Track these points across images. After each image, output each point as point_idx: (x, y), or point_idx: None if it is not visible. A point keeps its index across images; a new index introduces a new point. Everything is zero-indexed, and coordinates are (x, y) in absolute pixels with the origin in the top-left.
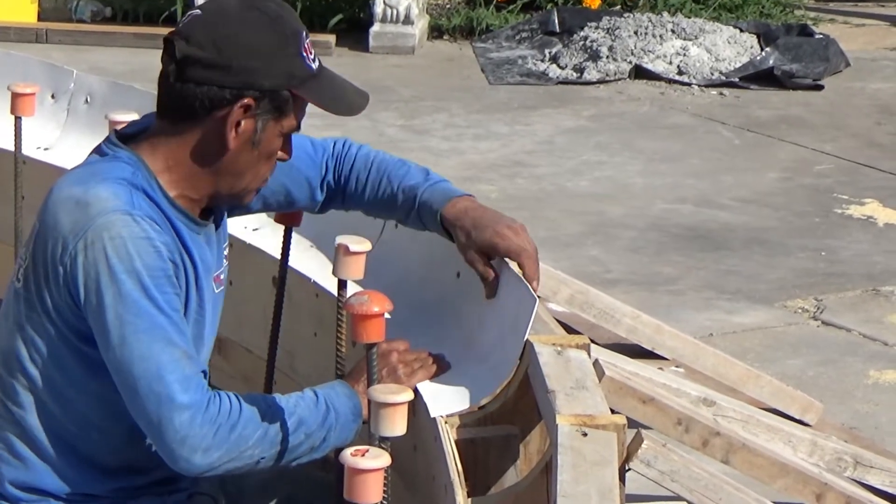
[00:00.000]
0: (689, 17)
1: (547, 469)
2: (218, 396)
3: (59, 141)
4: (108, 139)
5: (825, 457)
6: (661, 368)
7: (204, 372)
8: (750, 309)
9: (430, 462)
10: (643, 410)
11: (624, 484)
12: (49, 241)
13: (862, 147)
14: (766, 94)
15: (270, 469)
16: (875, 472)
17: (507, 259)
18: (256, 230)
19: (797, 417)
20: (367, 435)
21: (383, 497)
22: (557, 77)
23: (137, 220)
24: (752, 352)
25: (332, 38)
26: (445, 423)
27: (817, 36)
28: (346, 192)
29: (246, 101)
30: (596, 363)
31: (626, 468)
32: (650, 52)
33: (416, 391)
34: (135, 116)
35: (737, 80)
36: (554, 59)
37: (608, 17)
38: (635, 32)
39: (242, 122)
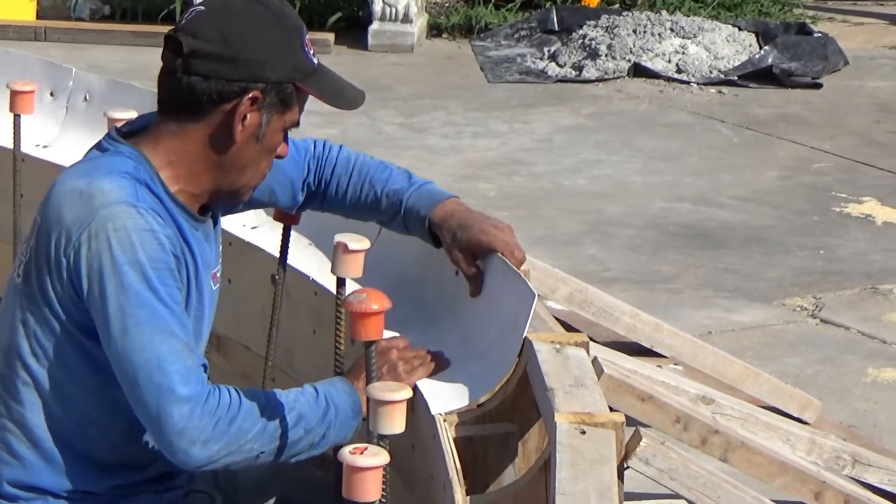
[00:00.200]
0: (688, 16)
1: (545, 467)
2: (218, 390)
3: (58, 139)
4: (108, 135)
5: (823, 455)
6: (659, 366)
7: (204, 365)
8: (748, 307)
9: (428, 460)
10: (642, 408)
11: (622, 482)
12: (52, 234)
13: (860, 145)
14: (765, 92)
15: (270, 464)
16: (873, 470)
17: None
18: (255, 228)
19: (796, 415)
20: (366, 433)
21: (382, 495)
22: (556, 75)
23: (141, 212)
24: (750, 350)
25: (330, 37)
26: (444, 421)
27: (816, 34)
28: (327, 194)
29: (254, 93)
30: (595, 361)
31: (625, 466)
32: (649, 50)
33: (415, 389)
34: (133, 114)
35: (735, 78)
36: (553, 57)
37: (607, 16)
38: (634, 31)
39: (248, 116)
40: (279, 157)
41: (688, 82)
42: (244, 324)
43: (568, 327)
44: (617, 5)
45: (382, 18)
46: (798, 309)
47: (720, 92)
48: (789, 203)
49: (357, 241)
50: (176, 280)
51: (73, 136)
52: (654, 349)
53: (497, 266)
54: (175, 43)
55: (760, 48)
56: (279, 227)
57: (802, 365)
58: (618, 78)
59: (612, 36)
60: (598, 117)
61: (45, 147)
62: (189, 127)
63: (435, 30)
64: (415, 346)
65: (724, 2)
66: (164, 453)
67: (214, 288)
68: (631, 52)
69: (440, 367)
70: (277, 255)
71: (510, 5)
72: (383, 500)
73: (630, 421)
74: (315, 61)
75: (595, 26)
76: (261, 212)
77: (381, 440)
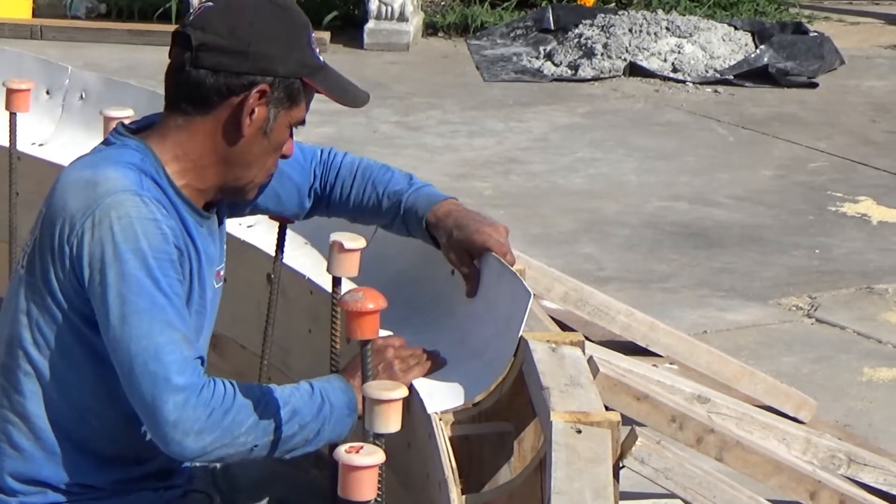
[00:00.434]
0: (684, 15)
1: (541, 466)
2: (213, 381)
3: (54, 137)
4: (115, 130)
5: (819, 454)
6: (655, 365)
7: (201, 358)
8: (744, 306)
9: (424, 459)
10: (637, 407)
11: (618, 481)
12: (57, 223)
13: (856, 145)
14: (761, 91)
15: (265, 459)
16: (868, 469)
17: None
18: (251, 227)
19: (791, 415)
20: (362, 431)
21: (377, 494)
22: (552, 74)
23: (146, 201)
24: (746, 349)
25: (326, 35)
26: (440, 420)
27: (812, 34)
28: (332, 198)
29: (262, 86)
30: (590, 360)
31: (621, 465)
32: (645, 49)
33: (411, 388)
34: (130, 112)
35: (731, 77)
36: (548, 56)
37: (603, 15)
38: (630, 30)
39: (256, 110)
40: (284, 156)
41: (684, 81)
42: (240, 322)
43: (563, 326)
44: (613, 4)
45: (378, 17)
46: (794, 308)
47: (716, 91)
48: (785, 202)
49: (353, 240)
50: (177, 271)
51: (69, 135)
52: (650, 348)
53: (493, 265)
54: (184, 37)
55: (756, 47)
56: (275, 225)
57: (798, 364)
58: (614, 77)
59: (607, 35)
60: (593, 116)
61: (41, 145)
62: (196, 121)
63: (431, 28)
64: (411, 345)
65: (720, 1)
66: (157, 443)
67: (217, 286)
68: (627, 51)
69: (436, 366)
70: (273, 253)
71: (506, 4)
72: (379, 499)
73: (626, 420)
74: (321, 59)
75: (591, 25)
76: None
77: (377, 439)
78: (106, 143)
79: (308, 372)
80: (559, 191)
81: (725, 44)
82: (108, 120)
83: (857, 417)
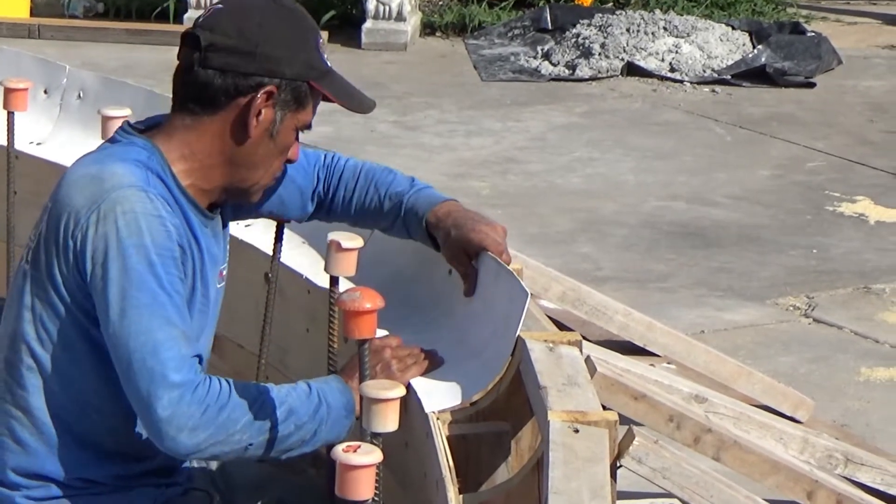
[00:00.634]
0: (682, 15)
1: (538, 465)
2: (209, 379)
3: (52, 136)
4: (121, 128)
5: (816, 454)
6: (652, 365)
7: (199, 356)
8: (741, 306)
9: (421, 458)
10: (635, 407)
11: (615, 480)
12: (62, 217)
13: (854, 145)
14: (758, 91)
15: (260, 458)
16: (866, 469)
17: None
18: (248, 226)
19: (788, 414)
20: (359, 431)
21: (375, 493)
22: (549, 74)
23: (151, 197)
24: (743, 349)
25: (324, 35)
26: (437, 419)
27: (809, 34)
28: (335, 201)
29: (269, 87)
30: (588, 360)
31: (618, 465)
32: (642, 49)
33: (408, 388)
34: (127, 112)
35: (729, 77)
36: (546, 55)
37: (600, 15)
38: (627, 30)
39: (263, 111)
40: (290, 161)
41: (681, 81)
42: (237, 322)
43: (561, 326)
44: (610, 4)
45: (376, 17)
46: (791, 308)
47: (713, 91)
48: (782, 202)
49: (350, 240)
50: (179, 269)
51: (67, 134)
52: (647, 348)
53: (490, 265)
54: (193, 38)
55: (754, 47)
56: (272, 225)
57: (795, 364)
58: (611, 77)
59: (605, 35)
60: (591, 116)
61: (38, 144)
62: (204, 121)
63: (428, 28)
64: (408, 344)
65: (718, 1)
66: (152, 439)
67: (219, 286)
68: (624, 50)
69: (434, 365)
70: (271, 253)
71: (504, 4)
72: (376, 498)
73: (623, 420)
74: (328, 63)
75: (588, 25)
76: None
77: (375, 438)
78: (112, 140)
79: (306, 371)
80: (557, 190)
81: (723, 43)
82: (105, 119)
83: (854, 417)
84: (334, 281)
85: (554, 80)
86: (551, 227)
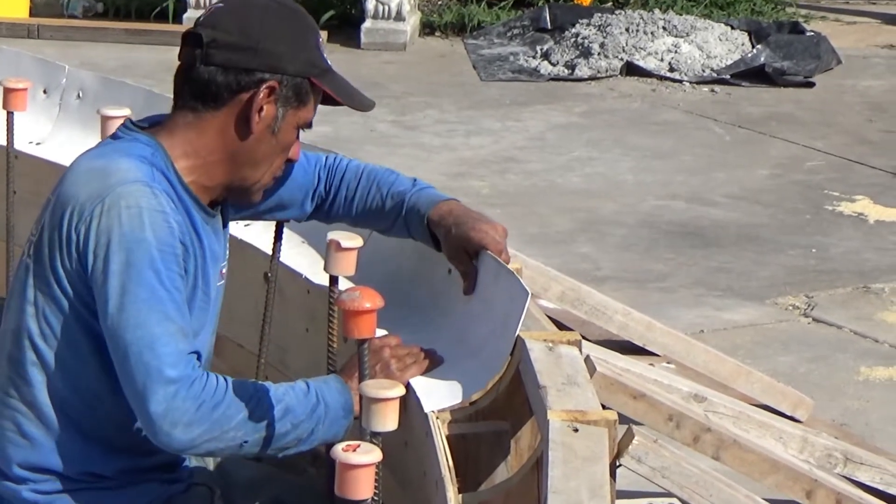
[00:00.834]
0: (681, 15)
1: (538, 465)
2: (206, 375)
3: (51, 136)
4: (123, 125)
5: (815, 453)
6: (652, 365)
7: (198, 353)
8: (741, 306)
9: (421, 458)
10: (634, 406)
11: (615, 480)
12: (66, 211)
13: (853, 144)
14: (758, 91)
15: (256, 456)
16: (865, 468)
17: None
18: (248, 226)
19: (788, 414)
20: (359, 430)
21: (374, 493)
22: (549, 74)
23: (156, 193)
24: (742, 348)
25: (323, 35)
26: (437, 418)
27: (808, 33)
28: (336, 201)
29: (270, 83)
30: (587, 359)
31: (617, 464)
32: (641, 48)
33: (408, 387)
34: (127, 111)
35: (728, 77)
36: (545, 55)
37: (599, 14)
38: (626, 29)
39: (265, 108)
40: (291, 160)
41: (680, 81)
42: (237, 321)
43: (560, 326)
44: (609, 4)
45: (375, 16)
46: (790, 307)
47: (712, 90)
48: (782, 202)
49: (350, 239)
50: (180, 266)
51: (67, 134)
52: (647, 347)
53: (490, 264)
54: (195, 36)
55: (753, 47)
56: (272, 224)
57: (794, 363)
58: (610, 76)
59: (604, 34)
60: (590, 116)
61: (38, 144)
62: (206, 117)
63: (428, 28)
64: (407, 343)
65: (717, 1)
66: (147, 433)
67: (220, 284)
68: (623, 50)
69: (433, 364)
70: (270, 252)
71: (503, 3)
72: (376, 497)
73: (622, 419)
74: (328, 62)
75: (587, 25)
76: None
77: (374, 437)
78: (114, 137)
79: (305, 371)
80: (556, 190)
81: (722, 43)
82: (105, 119)
83: (853, 416)
84: (334, 280)
85: (553, 79)
86: (551, 227)
